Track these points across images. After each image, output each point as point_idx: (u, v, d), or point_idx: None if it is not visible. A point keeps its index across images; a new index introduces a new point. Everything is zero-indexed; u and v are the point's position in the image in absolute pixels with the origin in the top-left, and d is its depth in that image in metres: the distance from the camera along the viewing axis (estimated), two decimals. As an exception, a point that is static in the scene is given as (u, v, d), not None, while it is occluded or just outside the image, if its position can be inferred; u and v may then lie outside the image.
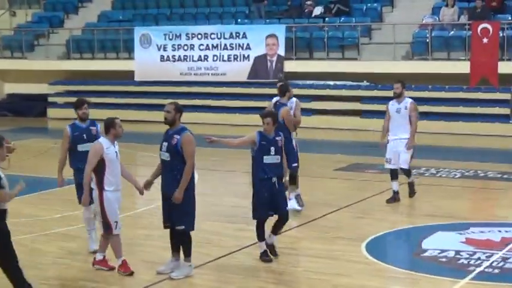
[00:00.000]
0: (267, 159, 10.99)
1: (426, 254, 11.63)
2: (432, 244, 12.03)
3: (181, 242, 10.48)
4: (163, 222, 10.57)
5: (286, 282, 10.41)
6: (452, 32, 27.05)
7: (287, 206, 11.53)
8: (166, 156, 10.34)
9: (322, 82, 28.05)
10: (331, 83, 27.96)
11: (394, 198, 14.79)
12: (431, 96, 26.22)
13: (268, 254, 11.12)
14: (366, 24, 28.77)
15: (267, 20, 30.26)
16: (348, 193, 16.01)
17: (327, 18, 29.33)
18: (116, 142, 10.67)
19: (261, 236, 11.13)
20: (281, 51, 28.45)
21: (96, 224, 11.58)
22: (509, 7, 27.23)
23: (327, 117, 26.85)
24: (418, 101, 25.72)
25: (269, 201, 10.98)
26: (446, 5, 27.28)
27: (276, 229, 11.27)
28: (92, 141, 11.15)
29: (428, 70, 26.31)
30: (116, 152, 10.62)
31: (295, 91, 27.44)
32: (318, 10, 29.82)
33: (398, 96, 15.02)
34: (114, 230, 10.59)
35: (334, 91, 27.75)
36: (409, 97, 15.48)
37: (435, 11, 28.06)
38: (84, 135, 11.68)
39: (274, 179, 11.03)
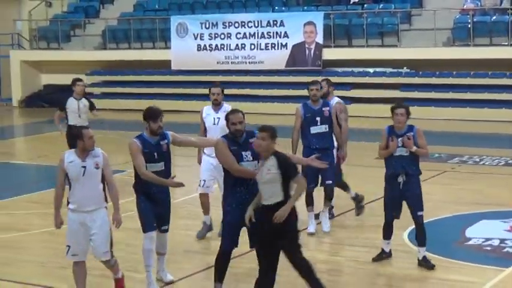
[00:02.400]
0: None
1: (470, 242, 11.59)
2: (476, 233, 11.99)
3: None
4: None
5: (329, 271, 10.43)
6: (494, 17, 26.84)
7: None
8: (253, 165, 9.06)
9: (361, 69, 28.01)
10: (371, 70, 27.90)
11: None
12: (473, 83, 26.05)
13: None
14: (405, 10, 28.63)
15: (305, 7, 30.25)
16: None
17: (365, 5, 29.27)
18: (96, 154, 9.08)
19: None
20: (319, 39, 28.38)
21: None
22: (554, -10, 26.98)
23: (367, 105, 26.75)
24: (459, 88, 25.89)
25: None
26: (489, -10, 27.11)
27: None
28: (162, 160, 9.59)
29: (470, 56, 26.14)
30: (83, 167, 8.94)
31: (334, 79, 27.59)
32: (357, -3, 29.77)
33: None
34: (66, 254, 9.33)
35: (374, 78, 27.68)
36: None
37: (477, -4, 27.89)
38: (155, 154, 9.55)
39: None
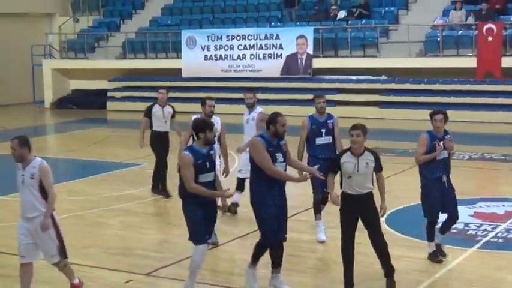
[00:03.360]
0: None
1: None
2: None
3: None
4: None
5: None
6: (460, 32, 26.81)
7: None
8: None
9: (345, 77, 27.94)
10: (354, 77, 27.85)
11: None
12: (441, 88, 26.08)
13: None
14: (384, 26, 28.61)
15: (297, 23, 30.18)
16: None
17: (349, 21, 29.20)
18: (33, 165, 8.19)
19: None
20: (310, 50, 28.35)
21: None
22: (511, 9, 26.93)
23: (351, 107, 26.72)
24: (430, 92, 25.88)
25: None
26: (455, 8, 27.08)
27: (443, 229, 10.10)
28: (213, 170, 8.56)
29: (440, 65, 26.14)
30: (22, 175, 8.19)
31: (323, 85, 27.71)
32: (341, 14, 29.68)
33: (251, 106, 12.77)
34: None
35: (357, 84, 27.66)
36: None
37: (445, 13, 27.84)
38: (208, 163, 8.48)
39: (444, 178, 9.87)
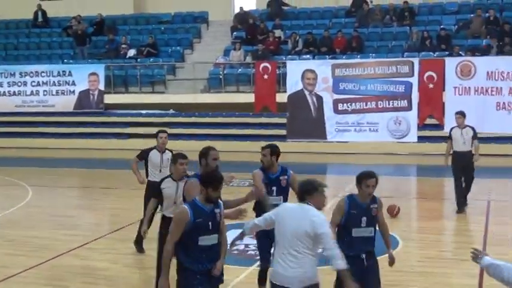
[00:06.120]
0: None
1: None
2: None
3: None
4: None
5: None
6: (240, 70, 27.73)
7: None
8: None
9: (136, 111, 27.95)
10: (144, 111, 27.92)
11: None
12: (224, 121, 26.76)
13: None
14: (171, 63, 29.00)
15: (89, 60, 29.87)
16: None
17: (139, 59, 29.33)
18: None
19: None
20: (101, 86, 28.15)
21: None
22: (284, 50, 28.21)
23: (141, 140, 26.64)
24: (215, 125, 26.48)
25: None
26: (235, 48, 27.97)
27: None
28: (217, 232, 6.70)
29: (222, 100, 26.80)
30: None
31: (114, 119, 27.55)
32: (131, 52, 29.76)
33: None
34: None
35: (146, 118, 27.68)
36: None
37: (226, 53, 28.68)
38: (210, 224, 6.59)
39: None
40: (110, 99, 28.10)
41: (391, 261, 7.54)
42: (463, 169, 14.60)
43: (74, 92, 28.42)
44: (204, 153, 7.84)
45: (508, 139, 23.60)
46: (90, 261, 11.09)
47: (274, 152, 8.72)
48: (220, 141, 25.32)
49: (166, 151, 11.46)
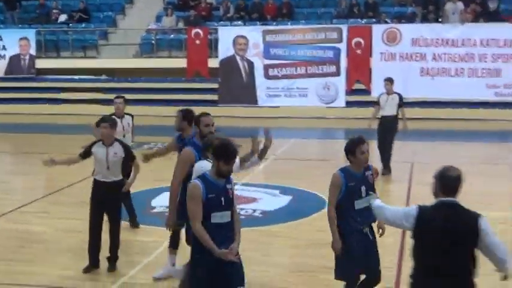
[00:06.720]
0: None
1: (155, 210, 12.03)
2: (159, 202, 12.39)
3: None
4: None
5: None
6: (172, 36, 27.63)
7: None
8: None
9: (68, 76, 27.59)
10: (76, 77, 27.60)
11: None
12: (156, 86, 26.64)
13: None
14: (103, 29, 28.67)
15: (20, 25, 29.27)
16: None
17: (70, 24, 28.90)
18: None
19: None
20: (32, 51, 27.67)
21: None
22: (216, 16, 28.22)
23: (74, 105, 26.52)
24: (147, 90, 26.35)
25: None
26: (167, 14, 27.83)
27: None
28: (231, 208, 6.20)
29: (154, 66, 26.68)
30: None
31: (46, 84, 27.15)
32: (63, 17, 29.29)
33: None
34: None
35: (79, 83, 27.40)
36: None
37: (158, 18, 28.53)
38: (222, 199, 6.09)
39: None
40: (41, 63, 27.66)
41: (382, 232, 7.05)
42: (386, 132, 14.99)
43: (4, 56, 27.88)
44: (196, 120, 7.76)
45: (431, 103, 24.26)
46: (24, 225, 11.07)
47: (186, 116, 8.54)
48: (152, 107, 25.40)
49: (126, 116, 11.26)
